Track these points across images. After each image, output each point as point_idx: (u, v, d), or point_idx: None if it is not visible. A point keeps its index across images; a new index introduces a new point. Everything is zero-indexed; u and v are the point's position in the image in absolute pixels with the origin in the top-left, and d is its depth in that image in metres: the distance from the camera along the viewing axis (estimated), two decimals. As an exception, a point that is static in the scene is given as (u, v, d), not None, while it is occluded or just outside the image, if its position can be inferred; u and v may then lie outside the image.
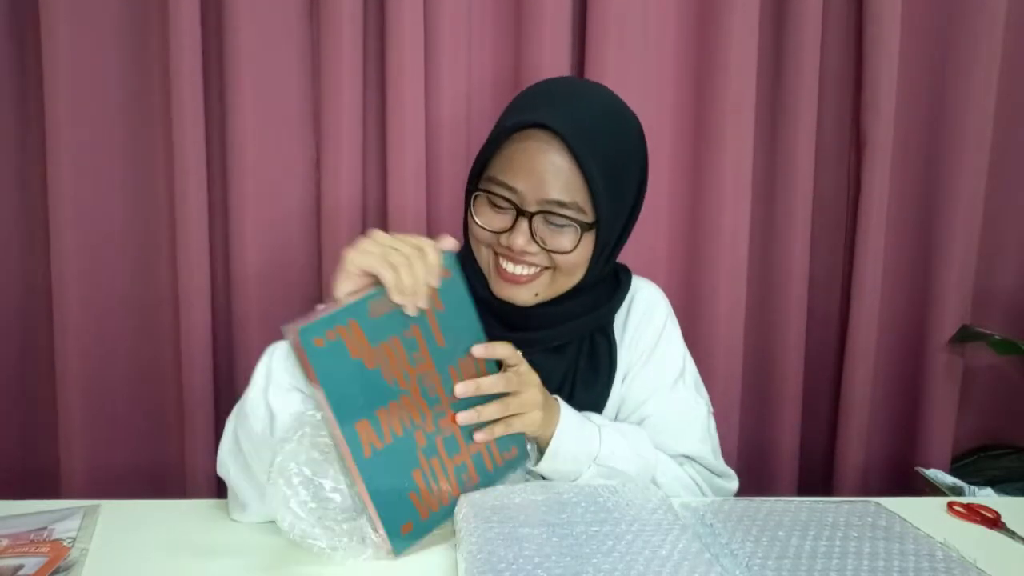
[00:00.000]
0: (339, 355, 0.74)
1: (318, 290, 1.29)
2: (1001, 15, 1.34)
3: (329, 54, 1.23)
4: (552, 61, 1.27)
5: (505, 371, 0.86)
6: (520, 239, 0.89)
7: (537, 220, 0.90)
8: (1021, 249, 1.48)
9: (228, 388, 1.30)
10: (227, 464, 0.87)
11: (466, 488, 0.84)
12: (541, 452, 0.90)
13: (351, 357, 0.75)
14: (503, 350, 0.86)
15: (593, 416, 0.96)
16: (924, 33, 1.37)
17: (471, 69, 1.29)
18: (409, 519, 0.79)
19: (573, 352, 0.99)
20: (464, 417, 0.82)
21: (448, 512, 0.82)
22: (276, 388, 0.83)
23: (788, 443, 1.42)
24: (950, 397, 1.43)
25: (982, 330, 1.40)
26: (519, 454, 0.88)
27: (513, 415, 0.85)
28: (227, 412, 0.90)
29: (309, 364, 0.73)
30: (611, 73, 1.27)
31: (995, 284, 1.48)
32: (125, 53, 1.23)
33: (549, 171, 0.88)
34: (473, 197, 0.94)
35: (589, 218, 0.91)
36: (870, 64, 1.33)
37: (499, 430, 0.84)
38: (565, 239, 0.91)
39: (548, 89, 0.97)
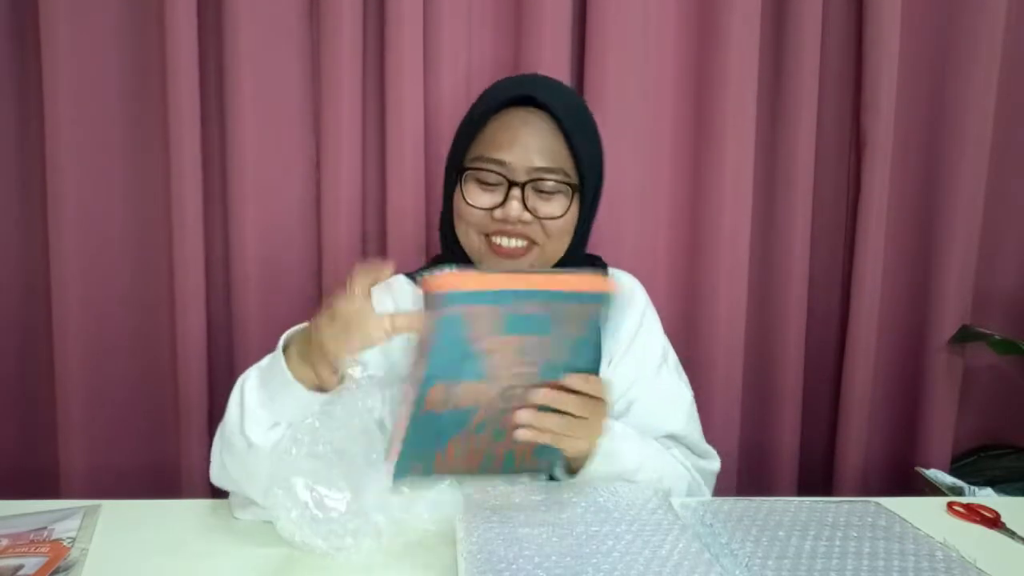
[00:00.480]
0: (462, 328, 0.73)
1: (318, 290, 1.29)
2: (1001, 15, 1.34)
3: (329, 54, 1.23)
4: (552, 61, 1.27)
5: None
6: (514, 208, 0.93)
7: (528, 189, 0.94)
8: (1021, 249, 1.48)
9: (228, 388, 1.30)
10: (222, 481, 0.88)
11: (484, 472, 0.83)
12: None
13: (470, 335, 0.74)
14: (597, 387, 0.81)
15: (623, 433, 0.94)
16: (924, 33, 1.37)
17: (471, 69, 1.29)
18: (421, 464, 0.79)
19: None
20: (524, 416, 0.78)
21: (452, 482, 0.82)
22: (253, 424, 0.82)
23: (788, 443, 1.42)
24: (950, 397, 1.43)
25: (982, 330, 1.40)
26: (547, 467, 0.88)
27: (566, 435, 0.81)
28: (221, 411, 0.91)
29: (433, 323, 0.72)
30: (611, 73, 1.27)
31: (995, 284, 1.48)
32: (124, 54, 1.23)
33: (535, 140, 0.93)
34: (463, 177, 0.96)
35: (574, 181, 0.97)
36: (870, 64, 1.34)
37: (545, 439, 0.80)
38: (555, 205, 0.96)
39: (516, 78, 1.05)
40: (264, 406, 0.82)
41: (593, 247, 1.31)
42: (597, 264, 1.08)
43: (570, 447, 0.84)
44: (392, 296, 1.02)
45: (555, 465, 0.88)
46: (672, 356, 1.09)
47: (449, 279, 0.72)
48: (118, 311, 1.27)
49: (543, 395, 0.78)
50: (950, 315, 1.41)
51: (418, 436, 0.76)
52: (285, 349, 0.83)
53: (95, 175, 1.23)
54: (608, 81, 1.27)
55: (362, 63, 1.25)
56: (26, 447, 1.31)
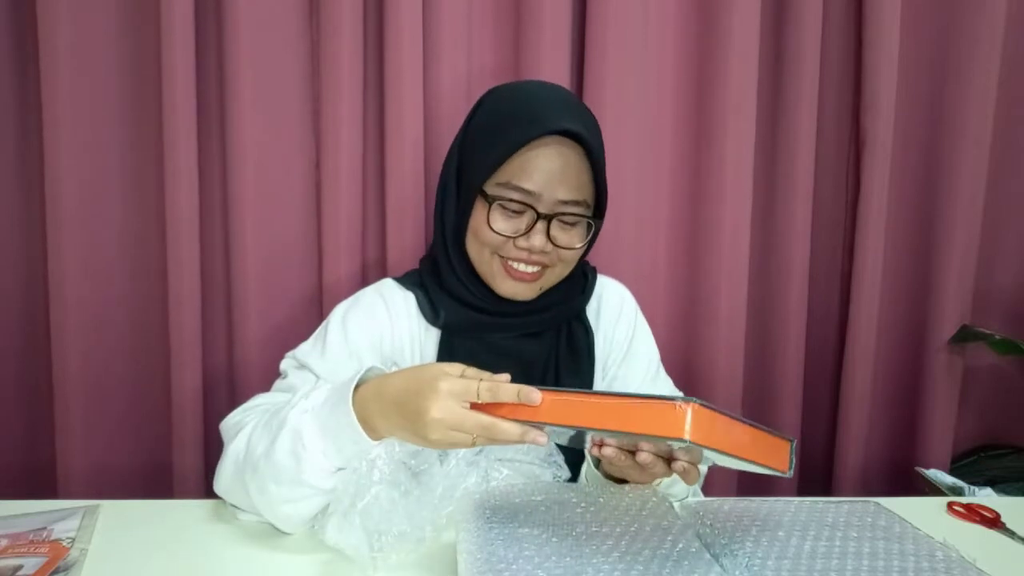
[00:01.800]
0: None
1: (318, 290, 1.29)
2: (1001, 15, 1.35)
3: (329, 54, 1.23)
4: (552, 62, 1.27)
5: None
6: (539, 240, 0.94)
7: (553, 221, 0.94)
8: (1021, 249, 1.48)
9: (228, 388, 1.30)
10: (232, 500, 0.87)
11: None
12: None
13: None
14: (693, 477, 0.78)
15: None
16: (924, 33, 1.37)
17: (470, 70, 1.29)
18: None
19: (552, 339, 1.03)
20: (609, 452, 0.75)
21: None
22: (316, 472, 0.78)
23: (788, 443, 1.42)
24: (950, 397, 1.43)
25: (982, 330, 1.40)
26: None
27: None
28: (220, 412, 0.91)
29: (651, 433, 0.66)
30: (611, 73, 1.27)
31: (995, 284, 1.48)
32: (123, 54, 1.23)
33: (565, 172, 0.93)
34: (490, 203, 0.94)
35: (591, 212, 0.98)
36: (870, 64, 1.34)
37: (629, 474, 0.81)
38: (575, 235, 0.97)
39: (546, 99, 0.98)
40: (328, 456, 0.79)
41: (593, 247, 1.31)
42: (588, 272, 1.09)
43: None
44: (384, 303, 1.02)
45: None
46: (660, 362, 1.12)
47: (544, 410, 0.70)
48: (116, 311, 1.27)
49: (644, 457, 0.74)
50: (950, 315, 1.41)
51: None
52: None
53: (93, 175, 1.23)
54: (608, 81, 1.27)
55: (362, 63, 1.25)
56: (24, 447, 1.31)
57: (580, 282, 1.07)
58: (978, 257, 1.42)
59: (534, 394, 0.70)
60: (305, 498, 0.80)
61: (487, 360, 0.93)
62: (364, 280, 1.27)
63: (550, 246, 0.95)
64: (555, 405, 0.71)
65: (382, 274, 1.24)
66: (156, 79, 1.21)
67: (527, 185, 0.92)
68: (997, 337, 1.37)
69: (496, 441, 0.72)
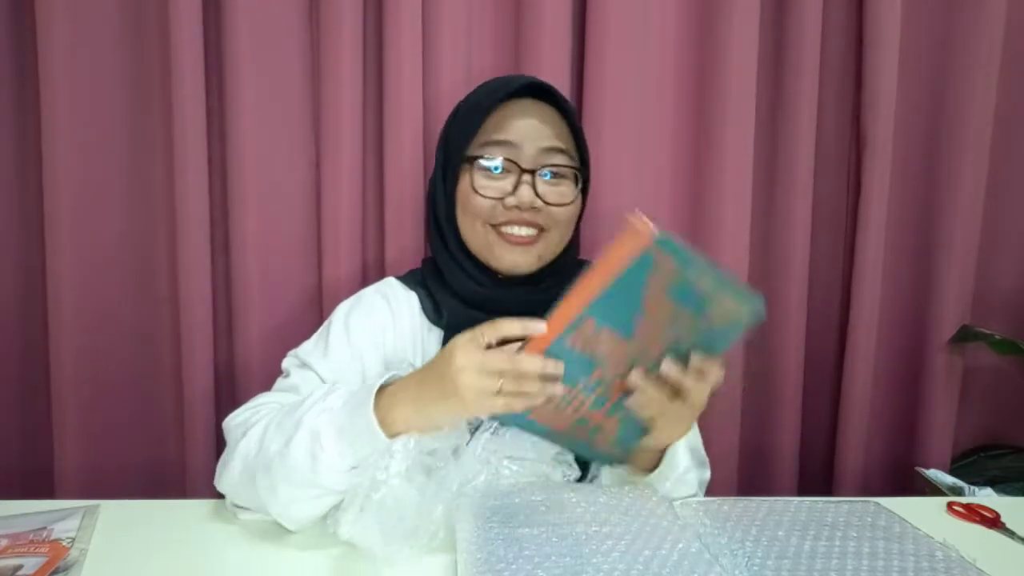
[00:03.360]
0: (646, 274, 0.74)
1: (318, 290, 1.29)
2: (1001, 15, 1.34)
3: (329, 54, 1.23)
4: (552, 61, 1.27)
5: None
6: (526, 193, 0.93)
7: (537, 176, 0.94)
8: (1021, 249, 1.48)
9: (228, 387, 1.30)
10: (237, 499, 0.87)
11: (566, 440, 0.85)
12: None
13: (644, 286, 0.75)
14: (714, 377, 0.82)
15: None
16: (924, 33, 1.37)
17: (470, 69, 1.29)
18: None
19: None
20: (636, 378, 0.79)
21: (543, 433, 0.84)
22: (331, 473, 0.78)
23: (788, 443, 1.42)
24: (950, 397, 1.43)
25: (982, 330, 1.40)
26: (616, 459, 0.88)
27: (668, 414, 0.82)
28: (226, 412, 0.90)
29: (630, 257, 0.72)
30: (611, 73, 1.27)
31: (995, 284, 1.48)
32: (124, 54, 1.23)
33: (542, 123, 0.95)
34: (473, 166, 0.95)
35: (577, 163, 0.99)
36: (870, 64, 1.33)
37: (651, 409, 0.82)
38: (563, 191, 0.97)
39: (507, 76, 1.06)
40: (344, 456, 0.79)
41: (593, 247, 1.31)
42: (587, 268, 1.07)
43: (665, 429, 0.84)
44: (387, 302, 1.02)
45: (623, 459, 0.88)
46: None
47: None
48: (116, 312, 1.27)
49: (667, 367, 0.79)
50: (950, 315, 1.41)
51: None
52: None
53: (93, 175, 1.23)
54: (608, 81, 1.27)
55: (362, 63, 1.25)
56: (22, 447, 1.31)
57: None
58: (978, 257, 1.42)
59: (539, 325, 0.74)
60: (317, 498, 0.81)
61: None
62: (364, 279, 1.27)
63: (539, 202, 0.94)
64: (556, 319, 0.75)
65: (382, 274, 1.24)
66: (156, 78, 1.22)
67: (506, 136, 0.94)
68: (997, 337, 1.37)
69: (522, 377, 0.74)
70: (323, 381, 0.95)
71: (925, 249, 1.42)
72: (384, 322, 1.00)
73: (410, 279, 1.05)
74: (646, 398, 0.80)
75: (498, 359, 0.74)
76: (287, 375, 0.98)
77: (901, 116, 1.37)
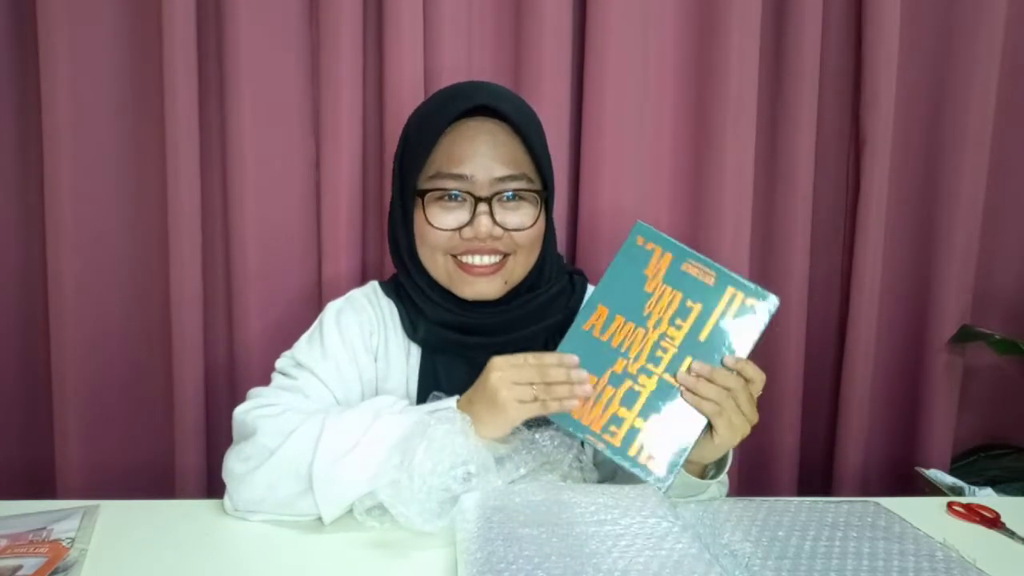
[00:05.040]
0: (639, 263, 0.89)
1: (318, 290, 1.29)
2: (1001, 15, 1.34)
3: (329, 54, 1.23)
4: (552, 61, 1.27)
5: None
6: (484, 224, 0.90)
7: (494, 203, 0.91)
8: (1021, 249, 1.48)
9: (227, 387, 1.30)
10: (250, 505, 0.87)
11: (597, 427, 0.87)
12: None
13: (644, 271, 0.89)
14: (753, 371, 0.87)
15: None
16: (924, 32, 1.37)
17: (471, 69, 1.29)
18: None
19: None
20: (688, 378, 0.85)
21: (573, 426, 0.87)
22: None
23: (788, 443, 1.42)
24: (950, 397, 1.43)
25: (982, 330, 1.40)
26: (651, 476, 0.88)
27: (725, 414, 0.85)
28: (221, 410, 0.90)
29: (624, 246, 0.89)
30: (611, 73, 1.27)
31: (995, 284, 1.48)
32: (123, 54, 1.23)
33: (494, 149, 0.91)
34: (424, 199, 0.92)
35: (538, 186, 0.95)
36: (870, 64, 1.33)
37: (706, 408, 0.85)
38: (523, 214, 0.94)
39: (457, 87, 0.99)
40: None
41: (594, 247, 1.32)
42: (576, 277, 1.05)
43: (727, 430, 0.85)
44: (373, 308, 1.02)
45: (666, 477, 0.86)
46: None
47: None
48: (116, 310, 1.27)
49: (697, 365, 0.85)
50: (950, 315, 1.41)
51: (571, 349, 0.87)
52: None
53: (93, 175, 1.23)
54: (608, 81, 1.27)
55: (362, 63, 1.25)
56: (22, 447, 1.31)
57: (567, 293, 1.02)
58: (978, 257, 1.42)
59: (573, 359, 0.85)
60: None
61: (470, 372, 0.93)
62: (364, 278, 1.27)
63: (499, 230, 0.91)
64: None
65: (382, 273, 1.24)
66: (156, 79, 1.21)
67: (456, 169, 0.90)
68: (997, 337, 1.37)
69: (550, 383, 0.83)
70: (322, 382, 0.95)
71: (925, 249, 1.42)
72: (374, 325, 1.00)
73: (391, 288, 1.03)
74: (696, 399, 0.85)
75: (524, 370, 0.84)
76: (288, 375, 0.97)
77: (901, 116, 1.37)
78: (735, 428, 0.85)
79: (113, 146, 1.25)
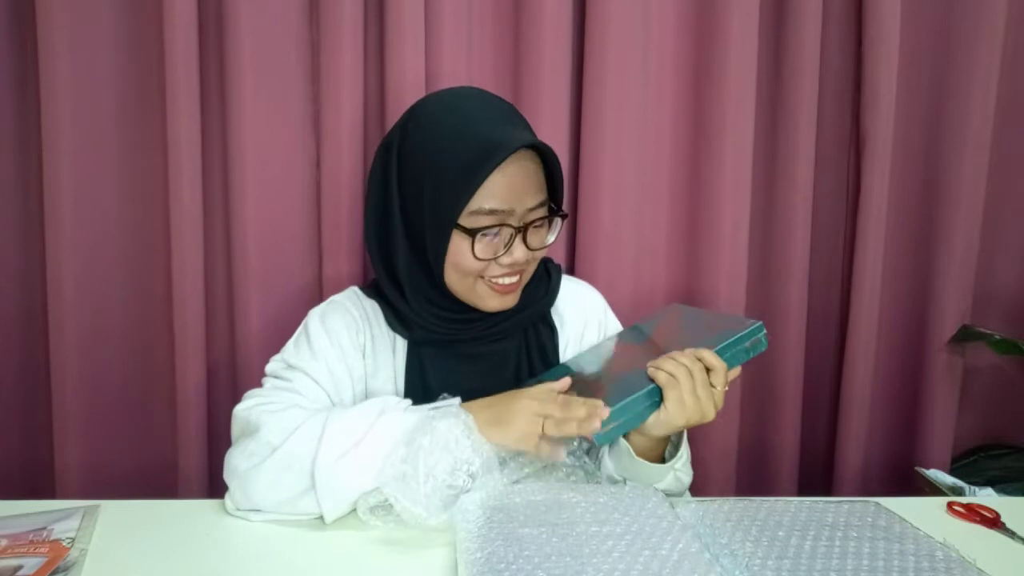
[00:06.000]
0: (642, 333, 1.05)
1: (318, 290, 1.29)
2: (1002, 15, 1.34)
3: (330, 54, 1.23)
4: (552, 62, 1.27)
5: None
6: (521, 251, 0.94)
7: (528, 230, 0.95)
8: (1021, 249, 1.48)
9: (228, 387, 1.30)
10: (254, 503, 0.87)
11: None
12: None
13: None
14: (712, 359, 0.92)
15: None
16: (924, 32, 1.37)
17: (471, 70, 1.29)
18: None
19: (519, 340, 1.04)
20: (664, 360, 0.90)
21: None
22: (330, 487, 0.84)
23: (788, 443, 1.42)
24: (950, 397, 1.43)
25: (982, 330, 1.40)
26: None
27: (686, 395, 0.89)
28: (222, 411, 0.90)
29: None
30: (611, 73, 1.27)
31: (995, 284, 1.48)
32: (123, 53, 1.23)
33: (527, 181, 0.94)
34: (473, 235, 0.92)
35: (555, 207, 0.99)
36: (870, 64, 1.33)
37: (665, 383, 0.89)
38: (544, 234, 0.98)
39: (483, 112, 0.96)
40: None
41: (593, 247, 1.32)
42: (552, 271, 1.08)
43: (675, 406, 0.88)
44: (356, 309, 1.03)
45: (614, 438, 0.91)
46: None
47: None
48: (116, 310, 1.27)
49: (679, 352, 0.90)
50: (950, 315, 1.41)
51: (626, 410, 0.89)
52: None
53: (93, 174, 1.23)
54: (608, 81, 1.27)
55: (363, 63, 1.25)
56: (22, 446, 1.31)
57: (544, 282, 1.07)
58: (978, 257, 1.42)
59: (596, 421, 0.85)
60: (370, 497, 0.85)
61: (455, 366, 0.98)
62: (365, 278, 1.27)
63: (530, 254, 0.96)
64: None
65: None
66: (157, 79, 1.22)
67: (499, 206, 0.92)
68: (997, 337, 1.37)
69: (566, 414, 0.86)
70: (315, 382, 0.96)
71: (925, 249, 1.42)
72: (359, 324, 1.02)
73: (371, 291, 1.05)
74: (664, 375, 0.89)
75: (549, 406, 0.88)
76: (281, 378, 0.98)
77: (901, 116, 1.37)
78: (685, 407, 0.88)
79: (113, 146, 1.25)
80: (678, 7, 1.32)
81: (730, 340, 0.93)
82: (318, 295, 1.29)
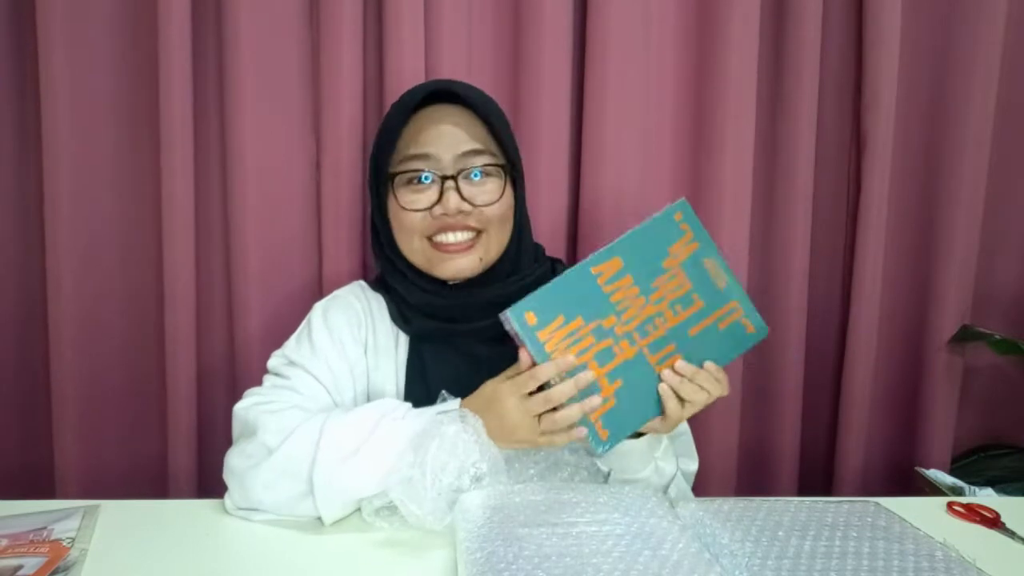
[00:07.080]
0: (668, 237, 0.90)
1: (319, 289, 1.29)
2: (1001, 15, 1.34)
3: (329, 54, 1.23)
4: (552, 62, 1.27)
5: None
6: (452, 199, 0.93)
7: (460, 180, 0.95)
8: (1021, 249, 1.48)
9: (228, 386, 1.30)
10: (252, 501, 0.87)
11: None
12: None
13: (669, 248, 0.90)
14: (724, 388, 0.91)
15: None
16: (924, 33, 1.37)
17: (471, 69, 1.29)
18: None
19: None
20: (672, 377, 0.88)
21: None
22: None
23: (788, 443, 1.42)
24: (950, 397, 1.43)
25: (982, 330, 1.40)
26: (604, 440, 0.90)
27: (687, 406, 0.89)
28: (221, 410, 0.90)
29: (655, 214, 0.89)
30: (611, 73, 1.27)
31: (995, 284, 1.48)
32: (121, 53, 1.23)
33: (456, 128, 0.95)
34: (394, 183, 0.96)
35: (502, 160, 0.98)
36: (870, 64, 1.33)
37: (672, 404, 0.88)
38: (489, 189, 0.96)
39: (422, 84, 1.04)
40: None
41: (595, 247, 1.31)
42: (557, 264, 1.09)
43: (674, 420, 0.88)
44: (360, 303, 1.03)
45: (607, 444, 0.88)
46: None
47: None
48: (115, 309, 1.27)
49: (700, 374, 0.88)
50: (950, 315, 1.41)
51: (566, 286, 0.86)
52: None
53: (92, 176, 1.23)
54: (608, 81, 1.27)
55: (362, 62, 1.25)
56: (21, 446, 1.31)
57: (549, 278, 1.06)
58: (978, 257, 1.42)
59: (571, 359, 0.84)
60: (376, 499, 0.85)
61: (456, 362, 0.98)
62: (365, 277, 1.27)
63: (467, 206, 0.94)
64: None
65: (382, 272, 1.24)
66: (155, 79, 1.21)
67: (420, 150, 0.94)
68: (997, 337, 1.37)
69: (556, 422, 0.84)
70: (315, 379, 0.96)
71: (925, 249, 1.42)
72: (362, 320, 1.02)
73: (376, 284, 1.07)
74: (670, 391, 0.87)
75: (536, 403, 0.85)
76: (281, 375, 0.98)
77: (901, 116, 1.37)
78: (681, 419, 0.90)
79: (112, 146, 1.25)
80: (679, 7, 1.32)
81: (636, 228, 0.90)
82: (318, 294, 1.29)
